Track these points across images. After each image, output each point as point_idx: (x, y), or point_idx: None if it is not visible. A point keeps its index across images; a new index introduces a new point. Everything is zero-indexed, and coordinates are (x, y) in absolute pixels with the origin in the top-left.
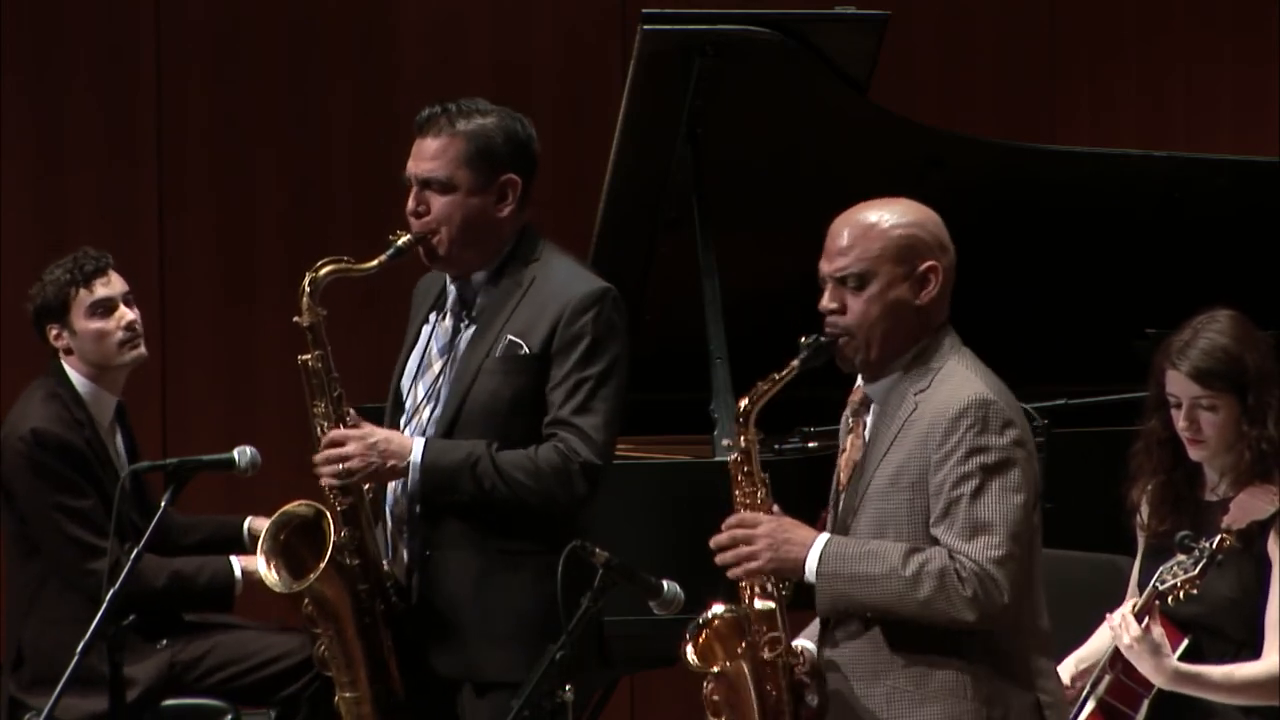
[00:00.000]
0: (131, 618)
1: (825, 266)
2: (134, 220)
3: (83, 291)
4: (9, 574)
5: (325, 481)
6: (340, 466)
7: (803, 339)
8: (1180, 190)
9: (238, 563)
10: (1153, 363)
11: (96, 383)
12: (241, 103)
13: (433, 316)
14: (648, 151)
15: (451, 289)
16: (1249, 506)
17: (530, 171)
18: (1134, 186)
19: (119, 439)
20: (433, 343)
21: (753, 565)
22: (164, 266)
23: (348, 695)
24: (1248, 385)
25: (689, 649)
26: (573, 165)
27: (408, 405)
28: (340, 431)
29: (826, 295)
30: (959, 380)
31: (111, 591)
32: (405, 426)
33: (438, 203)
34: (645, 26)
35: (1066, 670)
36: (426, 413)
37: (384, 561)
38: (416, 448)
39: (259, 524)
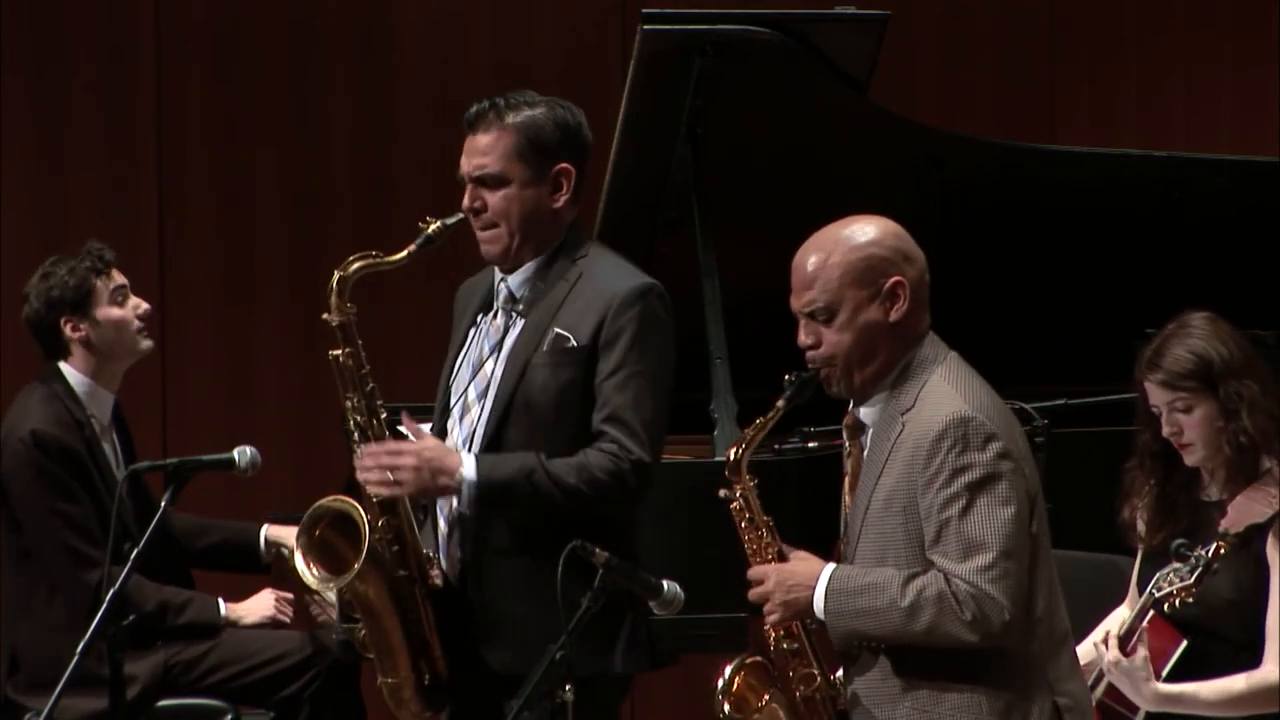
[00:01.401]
0: (131, 617)
1: (794, 303)
2: (134, 220)
3: (104, 279)
4: (5, 578)
5: (370, 489)
6: (389, 475)
7: (786, 377)
8: (1180, 190)
9: (224, 607)
10: (1134, 377)
11: (95, 380)
12: (241, 103)
13: (480, 317)
14: (648, 151)
15: (502, 287)
16: (1246, 509)
17: (583, 159)
18: (1134, 186)
19: (116, 438)
20: (483, 342)
21: (773, 618)
22: (164, 266)
23: (389, 680)
24: (1217, 381)
25: (725, 704)
26: None
27: (457, 405)
28: (394, 443)
29: (801, 332)
30: (938, 399)
31: (112, 591)
32: (457, 425)
33: (493, 198)
34: (645, 26)
35: None
36: (477, 410)
37: (424, 547)
38: (468, 465)
39: (276, 532)
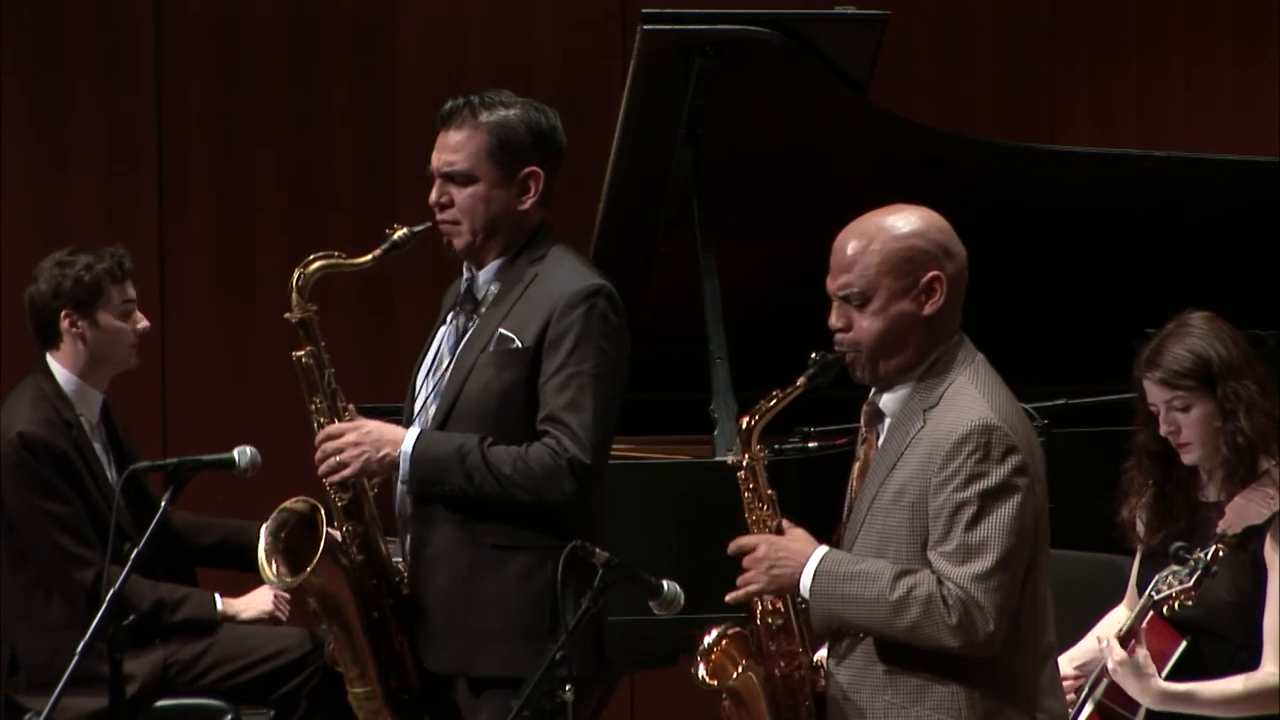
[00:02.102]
0: (131, 617)
1: (830, 284)
2: (134, 220)
3: (118, 287)
4: (4, 579)
5: (326, 479)
6: (334, 460)
7: (812, 355)
8: (1180, 190)
9: (221, 602)
10: (1133, 376)
11: (84, 379)
12: (241, 103)
13: (450, 317)
14: (648, 151)
15: (465, 287)
16: (1244, 510)
17: (554, 163)
18: (1134, 186)
19: (106, 437)
20: (445, 341)
21: (752, 587)
22: (164, 266)
23: (357, 691)
24: (1215, 380)
25: (701, 670)
26: (573, 165)
27: (420, 405)
28: (334, 425)
29: (833, 314)
30: (966, 402)
31: (112, 591)
32: (417, 425)
33: (460, 195)
34: (645, 26)
35: (1063, 669)
36: (432, 409)
37: (394, 557)
38: (409, 437)
39: None
